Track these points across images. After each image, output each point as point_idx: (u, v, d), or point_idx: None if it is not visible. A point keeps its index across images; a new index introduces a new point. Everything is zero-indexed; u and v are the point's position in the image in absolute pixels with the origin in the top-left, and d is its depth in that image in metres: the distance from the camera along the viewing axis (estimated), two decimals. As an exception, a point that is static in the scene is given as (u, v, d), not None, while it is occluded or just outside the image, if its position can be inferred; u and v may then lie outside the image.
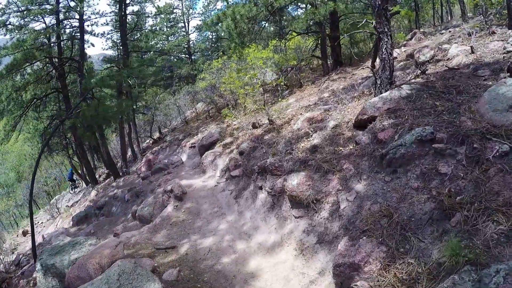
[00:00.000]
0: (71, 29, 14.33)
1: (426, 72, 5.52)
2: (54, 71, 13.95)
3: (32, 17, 13.02)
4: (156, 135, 18.24)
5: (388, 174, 3.34)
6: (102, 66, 16.80)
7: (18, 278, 6.74)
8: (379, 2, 4.79)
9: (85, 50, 14.39)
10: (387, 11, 4.92)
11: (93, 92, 12.64)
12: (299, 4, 13.30)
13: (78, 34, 13.98)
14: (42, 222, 15.99)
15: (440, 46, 7.05)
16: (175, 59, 24.39)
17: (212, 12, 24.06)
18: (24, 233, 14.82)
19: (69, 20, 14.05)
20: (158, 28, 21.55)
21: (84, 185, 18.11)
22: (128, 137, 16.69)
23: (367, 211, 3.07)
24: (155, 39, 21.02)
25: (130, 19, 16.15)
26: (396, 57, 8.24)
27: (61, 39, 13.89)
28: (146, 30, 18.43)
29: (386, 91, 4.78)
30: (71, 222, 10.97)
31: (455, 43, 6.87)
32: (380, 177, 3.39)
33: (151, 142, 17.96)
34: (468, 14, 12.82)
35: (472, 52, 5.70)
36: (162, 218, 5.88)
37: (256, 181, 5.27)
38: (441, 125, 3.39)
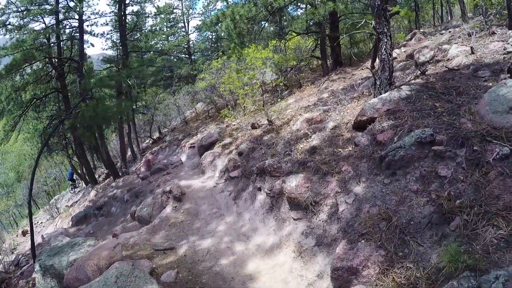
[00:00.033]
0: (71, 29, 14.30)
1: (426, 72, 5.50)
2: (53, 71, 13.91)
3: (31, 17, 12.98)
4: (156, 135, 18.22)
5: (387, 176, 3.31)
6: (101, 66, 16.78)
7: (17, 278, 6.73)
8: (379, 2, 4.76)
9: (84, 50, 14.38)
10: (387, 11, 4.89)
11: (92, 93, 12.62)
12: (299, 4, 13.25)
13: (78, 34, 13.95)
14: (41, 222, 15.99)
15: (440, 47, 7.01)
16: (175, 59, 24.34)
17: (212, 12, 24.01)
18: (24, 233, 14.81)
19: (69, 20, 14.02)
20: (158, 28, 21.53)
21: (84, 185, 18.11)
22: (128, 137, 16.67)
23: (366, 214, 3.04)
24: (155, 39, 20.99)
25: (129, 19, 16.12)
26: (396, 58, 8.21)
27: (61, 39, 13.85)
28: (146, 30, 18.41)
29: (385, 92, 4.75)
30: (71, 222, 10.96)
31: (455, 43, 6.84)
32: (379, 180, 3.37)
33: (150, 142, 17.94)
34: (468, 14, 12.79)
35: (472, 53, 5.67)
36: (161, 219, 5.86)
37: (255, 182, 5.24)
38: (441, 127, 3.37)
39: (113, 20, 15.77)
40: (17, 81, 13.31)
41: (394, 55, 8.07)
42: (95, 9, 15.07)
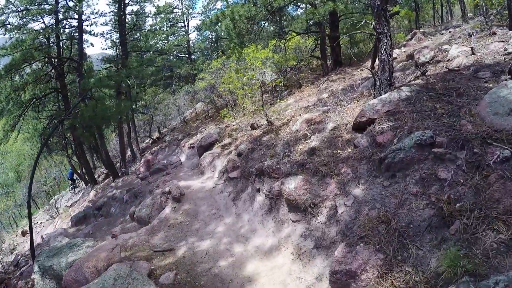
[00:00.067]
0: (70, 29, 14.26)
1: (426, 73, 5.47)
2: (53, 71, 13.88)
3: (31, 17, 12.93)
4: (156, 135, 18.20)
5: (387, 178, 3.29)
6: (101, 66, 16.75)
7: (16, 279, 6.73)
8: (379, 2, 4.73)
9: (84, 50, 14.34)
10: (387, 11, 4.86)
11: (91, 92, 12.60)
12: (298, 4, 13.21)
13: (77, 34, 13.92)
14: (41, 222, 15.98)
15: (440, 47, 6.98)
16: (174, 59, 24.30)
17: (212, 12, 23.98)
18: (24, 233, 14.80)
19: (68, 20, 13.97)
20: (157, 27, 21.49)
21: (83, 185, 18.10)
22: (128, 137, 16.65)
23: (365, 217, 3.02)
24: (155, 38, 20.96)
25: (129, 19, 16.08)
26: (396, 58, 8.18)
27: (60, 39, 13.80)
28: (146, 30, 18.37)
29: (385, 92, 4.72)
30: (70, 223, 10.96)
31: (455, 43, 6.80)
32: (378, 182, 3.34)
33: (150, 142, 17.92)
34: (468, 15, 12.76)
35: (473, 53, 5.64)
36: (160, 219, 5.84)
37: (254, 183, 5.22)
38: (441, 129, 3.34)
39: (113, 20, 15.74)
40: (16, 81, 13.28)
41: (394, 55, 8.03)
42: (94, 9, 15.00)
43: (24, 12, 12.61)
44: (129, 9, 15.73)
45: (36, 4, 12.77)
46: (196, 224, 5.39)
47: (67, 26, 14.11)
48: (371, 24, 5.05)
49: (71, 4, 13.38)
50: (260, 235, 4.45)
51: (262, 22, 11.50)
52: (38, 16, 13.01)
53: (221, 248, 4.46)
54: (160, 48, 22.25)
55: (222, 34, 20.16)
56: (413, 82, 5.25)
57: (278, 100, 8.49)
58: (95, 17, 14.79)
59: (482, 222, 2.29)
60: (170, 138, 14.41)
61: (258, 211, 4.82)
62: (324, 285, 3.08)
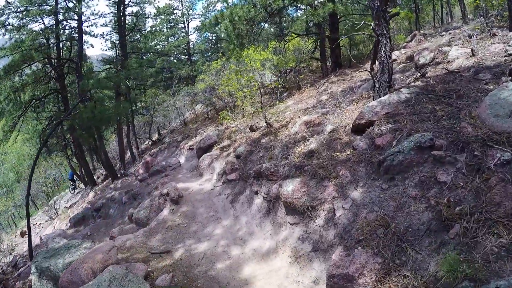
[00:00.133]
0: (70, 30, 14.26)
1: (426, 75, 5.43)
2: (53, 72, 13.88)
3: (31, 18, 12.95)
4: (155, 136, 18.18)
5: (386, 181, 3.25)
6: (100, 67, 16.75)
7: (14, 279, 6.70)
8: (378, 4, 4.70)
9: (84, 51, 14.34)
10: (386, 12, 4.83)
11: (91, 94, 12.58)
12: (298, 5, 13.21)
13: (77, 35, 13.92)
14: (40, 223, 15.93)
15: (440, 48, 6.95)
16: (174, 60, 24.33)
17: (212, 13, 24.00)
18: (22, 234, 14.76)
19: (68, 21, 13.98)
20: (158, 29, 21.49)
21: (83, 186, 18.07)
22: (127, 139, 16.63)
23: (363, 220, 2.98)
24: (155, 40, 20.97)
25: (129, 20, 16.09)
26: (395, 59, 8.15)
27: (60, 40, 13.80)
28: (146, 31, 18.37)
29: (384, 94, 4.69)
30: (69, 224, 10.92)
31: (456, 45, 6.77)
32: (377, 185, 3.30)
33: (149, 143, 17.90)
34: (468, 16, 12.74)
35: (473, 55, 5.60)
36: (158, 221, 5.81)
37: (252, 185, 5.18)
38: (441, 131, 3.30)
39: (113, 21, 15.74)
40: (16, 81, 13.27)
41: (394, 57, 8.01)
42: (94, 10, 15.17)
43: (24, 13, 12.62)
44: (129, 10, 15.83)
45: (36, 5, 12.78)
46: (194, 226, 5.35)
47: (67, 27, 14.13)
48: (371, 25, 5.02)
49: (70, 5, 13.40)
50: (258, 238, 4.41)
51: (262, 24, 11.49)
52: (38, 17, 13.03)
53: (219, 251, 4.42)
54: (160, 49, 22.28)
55: (222, 35, 20.16)
56: (412, 84, 5.21)
57: (277, 102, 8.47)
58: (95, 18, 14.81)
59: (483, 225, 2.25)
60: (169, 139, 14.39)
61: (256, 213, 4.78)
62: (322, 289, 3.03)
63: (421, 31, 12.64)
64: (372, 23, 4.98)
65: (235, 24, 8.84)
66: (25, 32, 12.52)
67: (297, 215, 3.90)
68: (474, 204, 2.46)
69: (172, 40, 24.50)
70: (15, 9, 12.49)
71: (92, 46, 15.64)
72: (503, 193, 2.37)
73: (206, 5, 25.31)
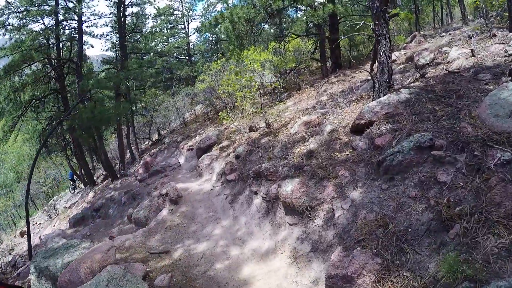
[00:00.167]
0: (70, 30, 14.29)
1: (426, 75, 5.43)
2: (52, 72, 13.88)
3: (31, 18, 12.97)
4: (155, 137, 18.17)
5: (385, 181, 3.23)
6: (100, 68, 16.75)
7: (14, 279, 6.71)
8: (378, 4, 4.70)
9: (84, 51, 14.34)
10: (386, 13, 4.83)
11: (91, 94, 12.58)
12: (298, 6, 13.20)
13: (77, 35, 13.93)
14: (39, 223, 15.91)
15: (440, 49, 6.95)
16: (174, 61, 24.34)
17: (212, 14, 24.01)
18: (22, 234, 14.74)
19: (68, 21, 14.01)
20: (158, 29, 21.50)
21: (83, 186, 18.05)
22: (127, 139, 16.62)
23: (362, 220, 2.96)
24: (155, 40, 20.97)
25: (129, 21, 16.10)
26: (395, 60, 8.14)
27: (60, 40, 13.82)
28: (146, 32, 18.39)
29: (384, 95, 4.68)
30: (68, 224, 10.90)
31: (455, 46, 6.77)
32: (376, 185, 3.28)
33: (149, 144, 17.89)
34: (468, 17, 12.73)
35: (473, 55, 5.60)
36: (157, 221, 5.80)
37: (251, 186, 5.17)
38: (441, 131, 3.29)
39: (113, 22, 15.76)
40: (16, 81, 13.27)
41: (394, 57, 8.01)
42: (94, 10, 15.35)
43: (24, 13, 12.64)
44: (129, 10, 15.87)
45: (36, 5, 12.79)
46: (193, 227, 5.34)
47: (67, 27, 14.15)
48: (370, 26, 5.02)
49: (71, 5, 13.42)
50: (257, 238, 4.39)
51: (262, 24, 11.48)
52: (38, 17, 13.04)
53: (218, 251, 4.41)
54: (160, 50, 22.28)
55: (222, 36, 20.16)
56: (412, 84, 5.20)
57: (277, 102, 8.46)
58: (95, 19, 14.85)
59: (483, 226, 2.24)
60: (169, 140, 14.38)
61: (255, 213, 4.76)
62: (321, 289, 3.02)
63: (421, 32, 12.66)
64: (371, 24, 4.97)
65: (235, 25, 8.84)
66: (25, 32, 12.53)
67: (296, 215, 3.89)
68: (474, 204, 2.44)
69: (172, 40, 24.50)
70: (15, 9, 12.51)
71: (92, 46, 15.69)
72: (503, 193, 2.36)
73: (206, 6, 25.38)
